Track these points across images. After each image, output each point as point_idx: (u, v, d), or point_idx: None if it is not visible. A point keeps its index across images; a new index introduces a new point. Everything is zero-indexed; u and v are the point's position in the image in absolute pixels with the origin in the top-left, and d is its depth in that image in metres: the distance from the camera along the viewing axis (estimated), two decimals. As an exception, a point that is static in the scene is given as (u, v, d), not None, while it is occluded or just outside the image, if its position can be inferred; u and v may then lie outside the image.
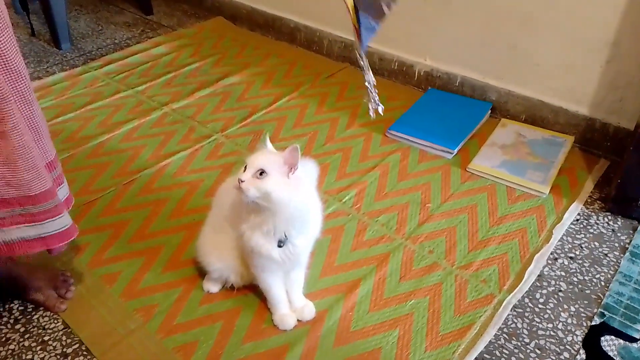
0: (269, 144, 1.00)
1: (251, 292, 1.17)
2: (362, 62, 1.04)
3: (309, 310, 1.13)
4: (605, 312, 1.14)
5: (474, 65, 1.78)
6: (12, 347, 1.08)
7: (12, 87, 0.90)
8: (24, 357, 1.06)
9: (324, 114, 1.80)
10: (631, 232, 1.34)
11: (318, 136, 1.69)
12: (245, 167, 0.94)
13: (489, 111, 1.77)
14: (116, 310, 1.15)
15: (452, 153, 1.60)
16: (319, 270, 1.23)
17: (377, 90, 1.06)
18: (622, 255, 1.27)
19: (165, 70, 2.09)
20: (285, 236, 0.98)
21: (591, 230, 1.34)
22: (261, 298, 1.15)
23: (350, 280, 1.21)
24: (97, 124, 1.77)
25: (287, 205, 0.93)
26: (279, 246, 0.98)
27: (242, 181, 0.91)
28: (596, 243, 1.31)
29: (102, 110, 1.85)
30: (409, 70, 1.95)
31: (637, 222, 1.36)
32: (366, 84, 1.06)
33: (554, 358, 1.05)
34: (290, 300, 1.12)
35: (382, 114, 1.07)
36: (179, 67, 2.10)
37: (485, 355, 1.06)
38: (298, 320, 1.11)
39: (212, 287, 1.18)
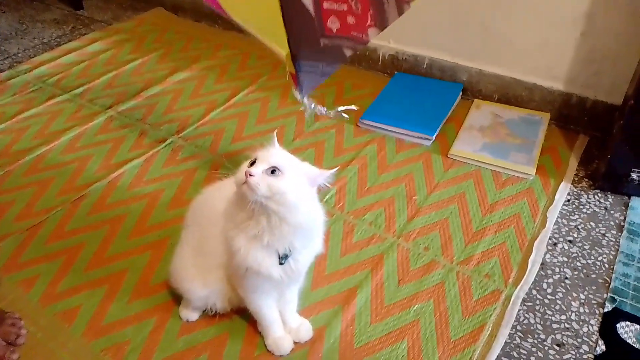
0: (277, 146, 0.86)
1: (236, 314, 1.04)
2: (304, 106, 0.93)
3: (305, 329, 1.00)
4: (616, 297, 1.09)
5: (443, 46, 1.69)
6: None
7: None
8: None
9: (288, 107, 1.67)
10: (623, 208, 1.29)
11: (285, 131, 1.56)
12: (254, 161, 0.79)
13: (461, 93, 1.69)
14: (80, 352, 0.99)
15: (430, 139, 1.51)
16: (309, 282, 1.10)
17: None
18: (619, 233, 1.22)
19: (105, 69, 1.88)
20: (290, 250, 0.84)
21: (584, 210, 1.29)
22: (249, 321, 1.02)
23: (345, 289, 1.10)
24: (33, 135, 1.56)
25: (300, 212, 0.79)
26: (281, 263, 0.84)
27: (251, 175, 0.76)
28: (592, 223, 1.25)
29: (36, 119, 1.63)
30: (373, 55, 1.84)
31: (627, 197, 1.32)
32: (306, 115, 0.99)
33: (573, 353, 0.98)
34: (284, 321, 0.99)
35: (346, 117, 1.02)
36: (120, 65, 1.90)
37: (503, 358, 0.97)
38: (295, 342, 0.99)
39: (192, 315, 1.04)
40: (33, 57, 1.97)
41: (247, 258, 0.83)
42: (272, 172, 0.77)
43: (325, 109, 0.97)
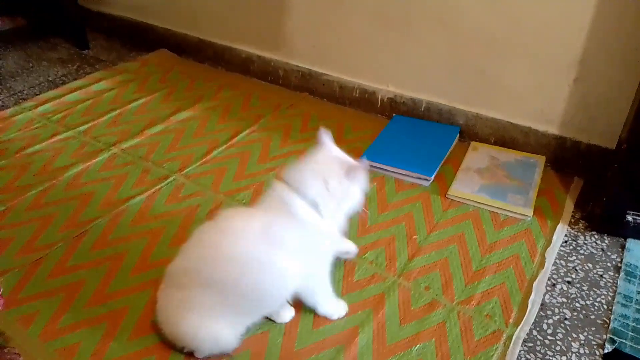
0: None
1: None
2: None
3: None
4: (615, 338, 1.09)
5: (440, 90, 1.75)
6: None
7: None
8: None
9: (289, 146, 1.70)
10: (620, 249, 1.31)
11: (287, 170, 1.58)
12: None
13: (458, 135, 1.73)
14: (79, 391, 0.97)
15: (429, 180, 1.54)
16: (311, 321, 1.11)
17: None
18: (616, 274, 1.24)
19: (109, 107, 1.92)
20: None
21: (581, 252, 1.31)
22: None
23: (347, 328, 1.10)
24: (36, 170, 1.57)
25: None
26: None
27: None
28: (589, 264, 1.27)
29: (40, 155, 1.65)
30: (372, 98, 1.89)
31: (623, 239, 1.34)
32: None
33: (575, 395, 0.98)
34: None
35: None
36: (125, 104, 1.94)
37: (505, 399, 0.97)
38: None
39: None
40: (38, 95, 2.00)
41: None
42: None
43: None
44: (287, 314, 1.11)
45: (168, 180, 1.54)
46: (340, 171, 1.00)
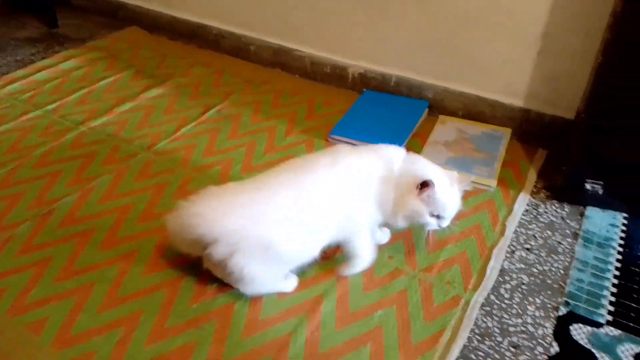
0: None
1: (204, 324, 1.06)
2: None
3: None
4: (570, 301, 1.14)
5: (410, 65, 1.76)
6: None
7: None
8: None
9: (260, 123, 1.71)
10: (579, 217, 1.35)
11: (257, 146, 1.59)
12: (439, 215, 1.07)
13: (427, 109, 1.75)
14: (47, 363, 0.99)
15: (397, 153, 1.56)
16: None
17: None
18: (574, 241, 1.28)
19: (78, 85, 1.90)
20: None
21: (542, 220, 1.35)
22: (215, 329, 1.04)
23: (311, 297, 1.13)
24: (5, 150, 1.57)
25: None
26: None
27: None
28: (548, 232, 1.31)
29: (8, 134, 1.64)
30: (343, 73, 1.90)
31: (583, 207, 1.38)
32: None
33: (528, 354, 1.02)
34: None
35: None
36: (94, 82, 1.92)
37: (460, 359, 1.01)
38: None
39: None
40: (6, 74, 1.97)
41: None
42: None
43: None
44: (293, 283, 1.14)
45: (137, 158, 1.54)
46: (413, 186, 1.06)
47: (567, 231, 1.31)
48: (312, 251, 1.09)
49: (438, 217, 1.09)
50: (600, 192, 1.35)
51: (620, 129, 1.25)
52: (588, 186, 1.35)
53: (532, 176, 1.49)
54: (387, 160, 1.12)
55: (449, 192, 1.08)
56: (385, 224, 1.16)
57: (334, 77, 1.93)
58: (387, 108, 1.76)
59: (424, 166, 1.11)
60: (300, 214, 1.04)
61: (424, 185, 1.04)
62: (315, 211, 1.06)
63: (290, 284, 1.13)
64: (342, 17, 1.80)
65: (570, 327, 1.08)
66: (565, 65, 1.49)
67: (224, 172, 1.48)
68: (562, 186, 1.37)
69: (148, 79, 1.95)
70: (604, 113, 1.24)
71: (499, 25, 1.53)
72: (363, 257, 1.16)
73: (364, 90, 1.87)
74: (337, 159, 1.10)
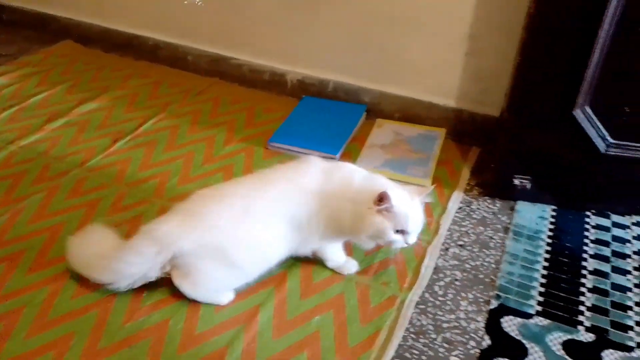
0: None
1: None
2: None
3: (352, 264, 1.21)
4: (501, 294, 1.17)
5: (346, 70, 1.78)
6: None
7: None
8: None
9: (198, 133, 1.69)
10: (510, 211, 1.40)
11: (195, 157, 1.58)
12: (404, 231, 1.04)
13: (365, 113, 1.78)
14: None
15: (335, 158, 1.57)
16: (212, 306, 1.12)
17: None
18: (506, 235, 1.33)
19: (8, 104, 1.83)
20: None
21: (474, 216, 1.39)
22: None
23: (249, 307, 1.12)
24: None
25: None
26: None
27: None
28: (481, 227, 1.35)
29: None
30: (282, 80, 1.90)
31: (513, 201, 1.43)
32: None
33: (461, 349, 1.05)
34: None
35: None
36: (25, 99, 1.86)
37: (396, 359, 1.02)
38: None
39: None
40: None
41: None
42: None
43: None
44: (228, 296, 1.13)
45: (69, 176, 1.49)
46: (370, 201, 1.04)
47: (499, 226, 1.36)
48: (267, 262, 1.11)
49: (403, 232, 1.05)
50: (529, 186, 1.40)
51: (541, 124, 1.30)
52: (517, 181, 1.40)
53: (465, 174, 1.53)
54: (345, 177, 1.11)
55: (409, 205, 1.04)
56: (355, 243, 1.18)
57: (273, 84, 1.93)
58: (325, 113, 1.78)
59: (381, 182, 1.08)
60: (251, 226, 1.06)
61: (381, 198, 1.01)
62: (263, 225, 1.07)
63: (225, 297, 1.12)
64: (277, 23, 1.81)
65: (501, 320, 1.12)
66: (491, 64, 1.54)
67: (161, 185, 1.46)
68: (492, 183, 1.42)
69: (82, 93, 1.90)
70: (524, 110, 1.29)
71: (427, 26, 1.57)
72: (332, 260, 1.20)
73: (303, 96, 1.88)
74: (293, 174, 1.12)
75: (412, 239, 1.06)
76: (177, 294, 1.13)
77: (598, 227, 1.37)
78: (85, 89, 1.93)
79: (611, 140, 1.29)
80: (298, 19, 1.77)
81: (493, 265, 1.24)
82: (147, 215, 1.34)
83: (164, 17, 2.03)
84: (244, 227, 1.06)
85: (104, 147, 1.61)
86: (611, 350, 1.06)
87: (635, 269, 1.25)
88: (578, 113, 1.26)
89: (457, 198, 1.44)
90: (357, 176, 1.10)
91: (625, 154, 1.31)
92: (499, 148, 1.37)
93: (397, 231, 1.04)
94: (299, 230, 1.09)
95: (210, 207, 1.08)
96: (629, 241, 1.33)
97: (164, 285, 1.15)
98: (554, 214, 1.40)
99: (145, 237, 1.05)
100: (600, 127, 1.28)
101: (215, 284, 1.11)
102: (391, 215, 1.02)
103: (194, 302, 1.12)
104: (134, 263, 1.06)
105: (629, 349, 1.06)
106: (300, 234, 1.10)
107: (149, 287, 1.14)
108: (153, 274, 1.09)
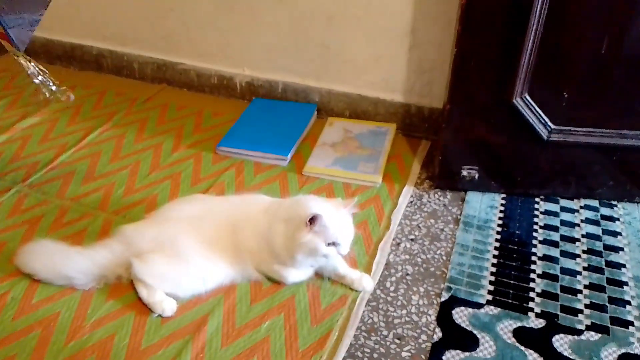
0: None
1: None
2: (24, 63, 1.02)
3: (366, 279, 1.17)
4: (451, 285, 1.17)
5: (292, 70, 1.77)
6: None
7: None
8: None
9: (144, 142, 1.65)
10: (460, 202, 1.41)
11: (141, 166, 1.54)
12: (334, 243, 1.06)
13: (316, 112, 1.76)
14: None
15: (285, 160, 1.56)
16: (158, 319, 1.09)
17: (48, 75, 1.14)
18: (456, 227, 1.33)
19: (-56, 123, 1.76)
20: None
21: (425, 209, 1.39)
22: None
23: (197, 317, 1.09)
24: None
25: None
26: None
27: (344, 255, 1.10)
28: (432, 220, 1.35)
29: None
30: (230, 83, 1.88)
31: (463, 192, 1.44)
32: (35, 80, 1.14)
33: (413, 344, 1.04)
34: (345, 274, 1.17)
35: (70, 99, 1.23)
36: (-38, 118, 1.79)
37: (348, 359, 1.01)
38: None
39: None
40: None
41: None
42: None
43: (52, 82, 1.07)
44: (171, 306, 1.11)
45: (10, 193, 1.44)
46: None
47: (449, 218, 1.36)
48: (216, 276, 1.14)
49: (334, 244, 1.06)
50: (477, 176, 1.41)
51: (483, 114, 1.31)
52: (464, 172, 1.41)
53: (415, 168, 1.53)
54: (277, 204, 1.18)
55: (336, 217, 1.06)
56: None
57: (222, 87, 1.90)
58: (276, 115, 1.76)
59: (307, 202, 1.10)
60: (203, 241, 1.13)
61: (313, 219, 1.03)
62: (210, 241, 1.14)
63: (168, 306, 1.09)
64: (218, 26, 1.78)
65: (453, 312, 1.12)
66: (434, 58, 1.55)
67: (105, 198, 1.42)
68: (440, 174, 1.42)
69: (24, 107, 1.84)
70: (465, 101, 1.30)
71: (367, 22, 1.57)
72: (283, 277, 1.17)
73: (254, 98, 1.85)
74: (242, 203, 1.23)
75: (344, 249, 1.08)
76: (122, 309, 1.10)
77: (547, 212, 1.39)
78: (26, 104, 1.86)
79: (553, 126, 1.31)
80: (238, 21, 1.74)
81: (444, 258, 1.24)
82: (90, 230, 1.30)
83: (106, 25, 1.97)
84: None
85: (47, 161, 1.55)
86: (561, 335, 1.07)
87: (584, 252, 1.27)
88: (518, 101, 1.27)
89: (407, 192, 1.44)
90: (285, 203, 1.17)
91: (567, 139, 1.33)
92: (444, 140, 1.38)
93: (329, 244, 1.05)
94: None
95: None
96: (577, 225, 1.36)
97: (109, 299, 1.12)
98: (503, 202, 1.42)
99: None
100: (541, 113, 1.30)
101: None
102: (322, 231, 1.04)
103: (139, 316, 1.08)
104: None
105: (579, 332, 1.08)
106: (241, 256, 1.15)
107: (94, 303, 1.11)
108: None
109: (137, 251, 1.12)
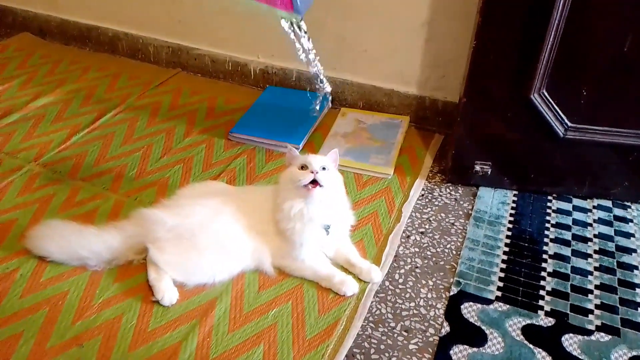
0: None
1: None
2: (297, 33, 1.01)
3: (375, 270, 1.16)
4: (461, 280, 1.17)
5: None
6: None
7: None
8: None
9: (157, 125, 1.65)
10: (472, 198, 1.40)
11: (153, 150, 1.54)
12: (303, 166, 1.10)
13: (329, 102, 1.75)
14: None
15: (298, 148, 1.55)
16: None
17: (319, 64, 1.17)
18: (467, 221, 1.32)
19: (-41, 99, 1.77)
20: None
21: (436, 203, 1.38)
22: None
23: (205, 302, 1.09)
24: None
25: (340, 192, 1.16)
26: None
27: (316, 172, 1.07)
28: (442, 214, 1.34)
29: None
30: (244, 70, 1.87)
31: (475, 187, 1.42)
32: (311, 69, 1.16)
33: (420, 337, 1.04)
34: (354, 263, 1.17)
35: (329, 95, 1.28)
36: (-23, 95, 1.79)
37: (354, 350, 1.01)
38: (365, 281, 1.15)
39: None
40: None
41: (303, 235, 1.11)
42: (323, 168, 1.09)
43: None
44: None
45: (22, 171, 1.44)
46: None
47: (460, 212, 1.35)
48: (232, 264, 1.14)
49: (307, 168, 1.10)
50: (490, 172, 1.40)
51: (499, 109, 1.29)
52: (477, 167, 1.39)
53: (428, 161, 1.52)
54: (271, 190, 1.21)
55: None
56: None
57: (236, 74, 1.89)
58: (289, 103, 1.75)
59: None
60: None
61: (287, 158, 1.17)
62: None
63: (168, 297, 1.08)
64: (234, 12, 1.76)
65: (461, 306, 1.11)
66: (450, 51, 1.53)
67: (117, 179, 1.42)
68: (453, 169, 1.41)
69: (38, 86, 1.84)
70: (482, 95, 1.28)
71: (384, 14, 1.55)
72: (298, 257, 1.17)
73: (267, 86, 1.85)
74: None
75: (316, 166, 1.09)
76: (131, 291, 1.10)
77: (559, 211, 1.37)
78: (41, 83, 1.86)
79: (569, 124, 1.29)
80: (253, 8, 1.72)
81: (454, 252, 1.23)
82: (101, 211, 1.30)
83: (123, 7, 1.97)
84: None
85: (60, 141, 1.56)
86: (571, 334, 1.06)
87: (596, 252, 1.26)
88: (535, 97, 1.26)
89: (419, 185, 1.43)
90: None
91: (584, 137, 1.31)
92: (459, 134, 1.36)
93: (302, 168, 1.11)
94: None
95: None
96: (590, 224, 1.34)
97: (117, 281, 1.12)
98: (515, 199, 1.40)
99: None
100: (558, 110, 1.28)
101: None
102: (292, 159, 1.15)
103: (147, 299, 1.09)
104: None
105: (589, 333, 1.07)
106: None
107: (103, 283, 1.11)
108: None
109: (155, 238, 1.12)
